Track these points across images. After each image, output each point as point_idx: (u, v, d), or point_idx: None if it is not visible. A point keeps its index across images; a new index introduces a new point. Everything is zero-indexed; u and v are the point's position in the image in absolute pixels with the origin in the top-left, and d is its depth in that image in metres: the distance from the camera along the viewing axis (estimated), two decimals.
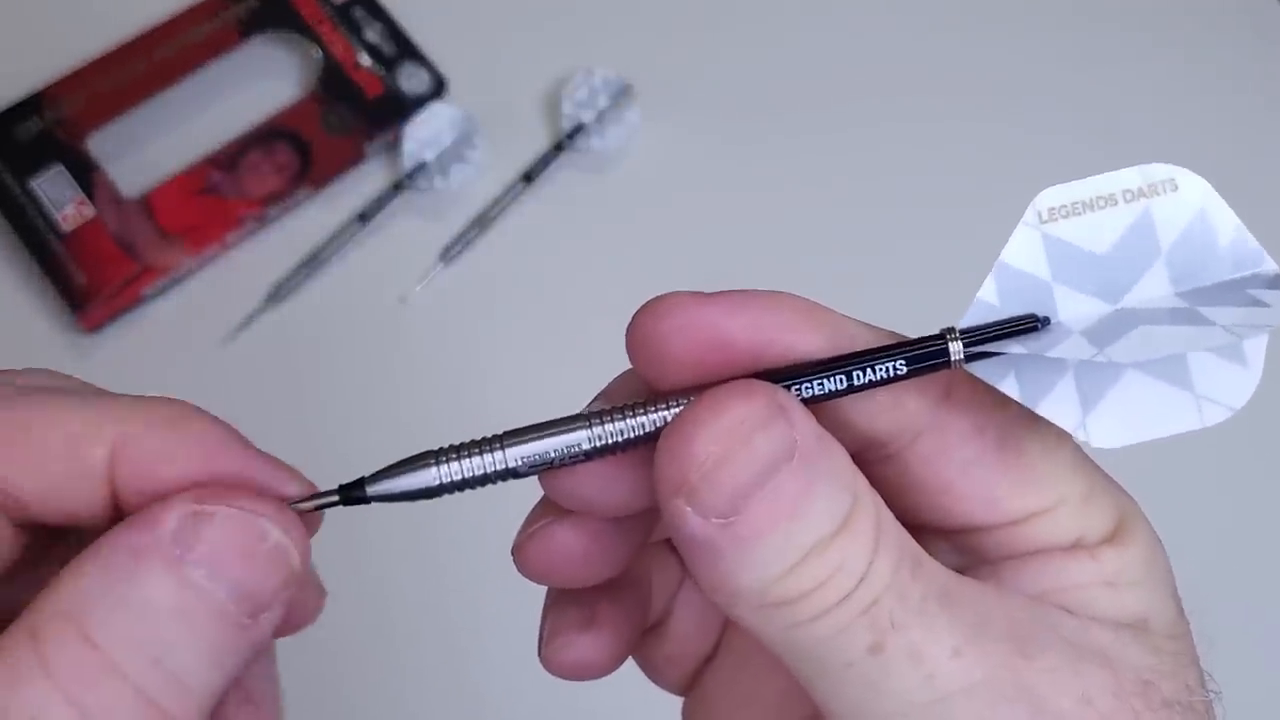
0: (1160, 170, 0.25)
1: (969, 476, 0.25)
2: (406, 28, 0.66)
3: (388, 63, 0.65)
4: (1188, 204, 0.25)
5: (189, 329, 0.60)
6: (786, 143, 0.65)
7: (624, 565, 0.27)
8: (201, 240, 0.61)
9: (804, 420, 0.23)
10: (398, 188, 0.63)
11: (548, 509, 0.26)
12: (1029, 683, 0.22)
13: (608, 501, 0.25)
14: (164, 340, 0.60)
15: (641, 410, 0.24)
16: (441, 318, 0.61)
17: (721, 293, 0.24)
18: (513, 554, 0.27)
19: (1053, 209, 0.25)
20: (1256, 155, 0.66)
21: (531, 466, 0.24)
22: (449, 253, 0.62)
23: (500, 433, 0.24)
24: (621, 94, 0.64)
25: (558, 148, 0.64)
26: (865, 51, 0.68)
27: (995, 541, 0.25)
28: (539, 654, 0.29)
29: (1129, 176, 0.25)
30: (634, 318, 0.24)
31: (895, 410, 0.24)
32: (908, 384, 0.24)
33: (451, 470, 0.24)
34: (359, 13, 0.66)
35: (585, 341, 0.58)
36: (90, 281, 0.59)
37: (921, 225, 0.62)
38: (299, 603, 0.24)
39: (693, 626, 0.30)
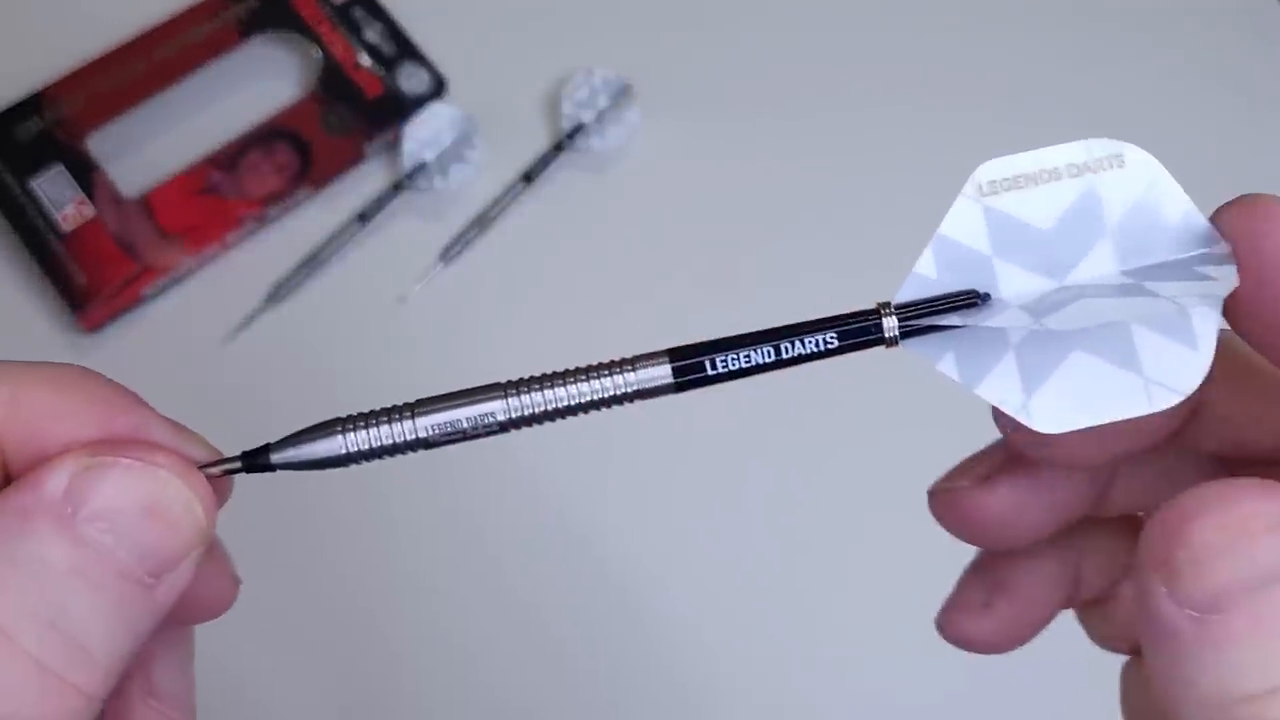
0: (1105, 145, 0.24)
1: None
2: (406, 28, 0.66)
3: (387, 63, 0.65)
4: (1135, 181, 0.24)
5: (189, 329, 0.60)
6: (787, 142, 0.65)
7: (1056, 532, 0.26)
8: (201, 240, 0.61)
9: None
10: (397, 188, 0.63)
11: (984, 460, 0.26)
12: None
13: (1088, 454, 0.24)
14: (164, 340, 0.60)
15: (559, 382, 0.23)
16: (441, 318, 0.61)
17: None
18: (931, 498, 0.26)
19: (993, 181, 0.24)
20: (1257, 155, 0.66)
21: (444, 436, 0.23)
22: (449, 253, 0.62)
23: (411, 401, 0.23)
24: (621, 94, 0.64)
25: (557, 148, 0.64)
26: (866, 51, 0.68)
27: None
28: (935, 618, 0.28)
29: (1073, 150, 0.24)
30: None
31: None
32: None
33: (360, 439, 0.23)
34: (359, 13, 0.66)
35: (586, 341, 0.58)
36: (90, 281, 0.59)
37: (922, 225, 0.62)
38: (210, 585, 0.23)
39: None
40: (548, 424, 0.23)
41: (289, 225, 0.62)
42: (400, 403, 0.23)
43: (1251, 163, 0.65)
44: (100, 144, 0.62)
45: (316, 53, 0.65)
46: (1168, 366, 0.23)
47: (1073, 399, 0.23)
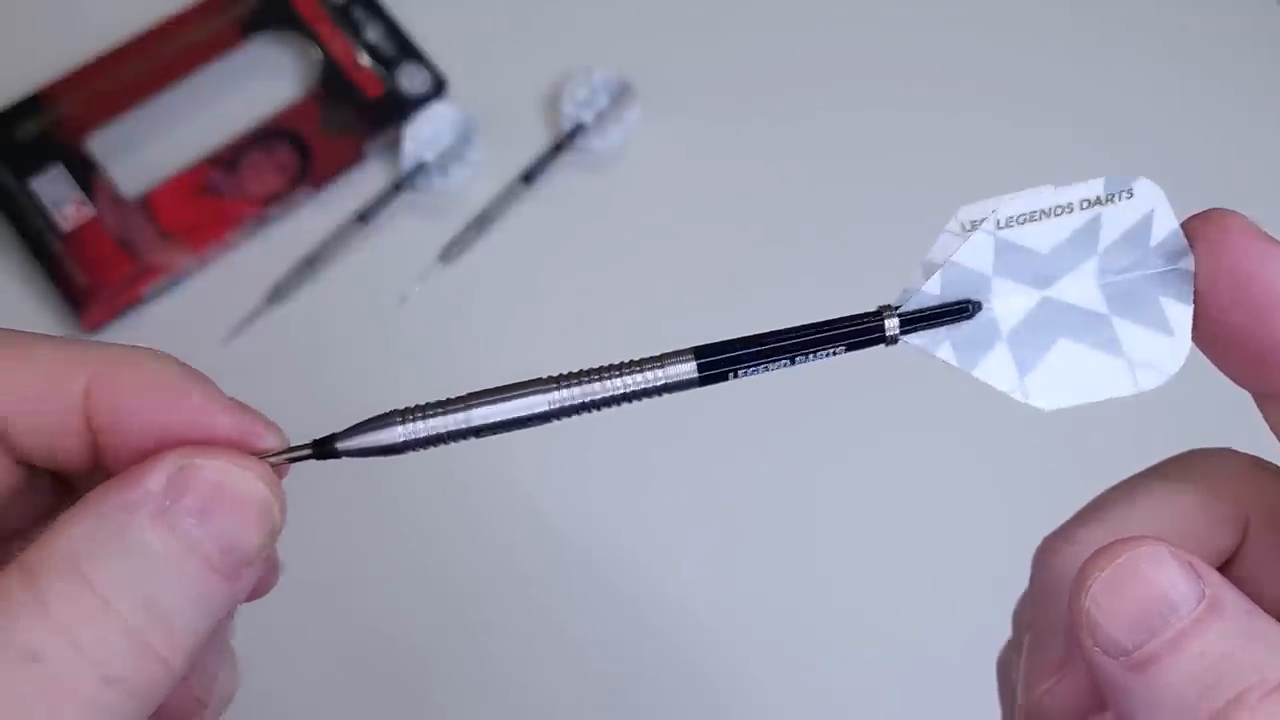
0: (1120, 181, 0.26)
1: None
2: (407, 28, 0.66)
3: (388, 63, 0.65)
4: (1136, 207, 0.26)
5: (189, 329, 0.60)
6: (787, 142, 0.65)
7: None
8: (202, 240, 0.61)
9: (1211, 572, 0.23)
10: (397, 188, 0.63)
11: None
12: None
13: None
14: (164, 340, 0.59)
15: (597, 377, 0.25)
16: (441, 318, 0.61)
17: None
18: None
19: (1010, 217, 0.26)
20: (1256, 155, 0.66)
21: (495, 426, 0.25)
22: (449, 253, 0.62)
23: (466, 394, 0.25)
24: (621, 94, 0.64)
25: (557, 148, 0.64)
26: (866, 51, 0.68)
27: None
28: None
29: (1091, 187, 0.26)
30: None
31: None
32: None
33: (417, 428, 0.25)
34: (359, 13, 0.66)
35: (585, 341, 0.58)
36: (90, 281, 0.59)
37: (923, 224, 0.62)
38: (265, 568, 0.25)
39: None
40: (582, 415, 0.26)
41: (289, 225, 0.62)
42: (446, 398, 0.25)
43: (1251, 162, 0.65)
44: (100, 144, 0.62)
45: (316, 53, 0.65)
46: (1149, 351, 0.25)
47: (1064, 380, 0.26)
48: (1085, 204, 0.26)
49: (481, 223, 0.63)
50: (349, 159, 0.63)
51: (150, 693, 0.22)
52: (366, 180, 0.63)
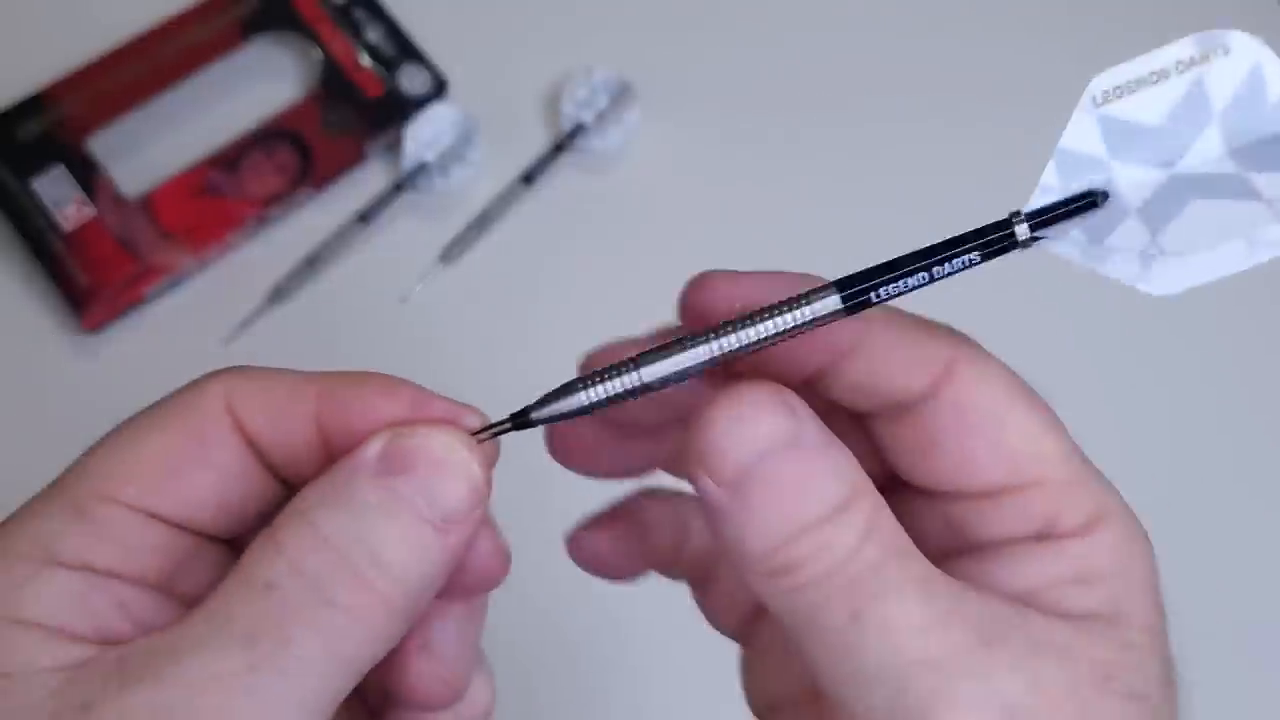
0: (1213, 37, 0.25)
1: (953, 441, 0.27)
2: (407, 28, 0.66)
3: (388, 63, 0.65)
4: (1239, 64, 0.25)
5: (190, 329, 0.60)
6: (787, 142, 0.65)
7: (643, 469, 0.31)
8: (203, 240, 0.61)
9: (809, 418, 0.26)
10: (398, 188, 0.63)
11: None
12: (984, 665, 0.25)
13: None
14: (165, 340, 0.60)
15: (749, 323, 0.26)
16: (441, 318, 0.61)
17: (761, 272, 0.28)
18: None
19: (1106, 91, 0.26)
20: None
21: (663, 381, 0.27)
22: (449, 253, 0.62)
23: (634, 355, 0.27)
24: (621, 94, 0.64)
25: (557, 148, 0.64)
26: (866, 50, 0.68)
27: (975, 516, 0.27)
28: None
29: (1182, 47, 0.26)
30: (684, 290, 0.28)
31: (901, 377, 0.27)
32: (916, 355, 0.27)
33: (596, 392, 0.27)
34: (360, 13, 0.66)
35: (585, 341, 0.58)
36: (91, 282, 0.59)
37: (924, 224, 0.62)
38: (482, 554, 0.28)
39: (738, 580, 0.32)
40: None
41: (290, 225, 0.63)
42: (618, 361, 0.27)
43: None
44: (101, 144, 0.63)
45: (317, 53, 0.65)
46: (1275, 232, 0.25)
47: (1188, 261, 0.25)
48: (1180, 67, 0.25)
49: (482, 223, 0.63)
50: (350, 159, 0.63)
51: (372, 622, 0.25)
52: (367, 181, 0.64)
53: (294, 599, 0.25)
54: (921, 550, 0.26)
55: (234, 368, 0.29)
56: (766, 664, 0.33)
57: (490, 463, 0.28)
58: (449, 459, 0.27)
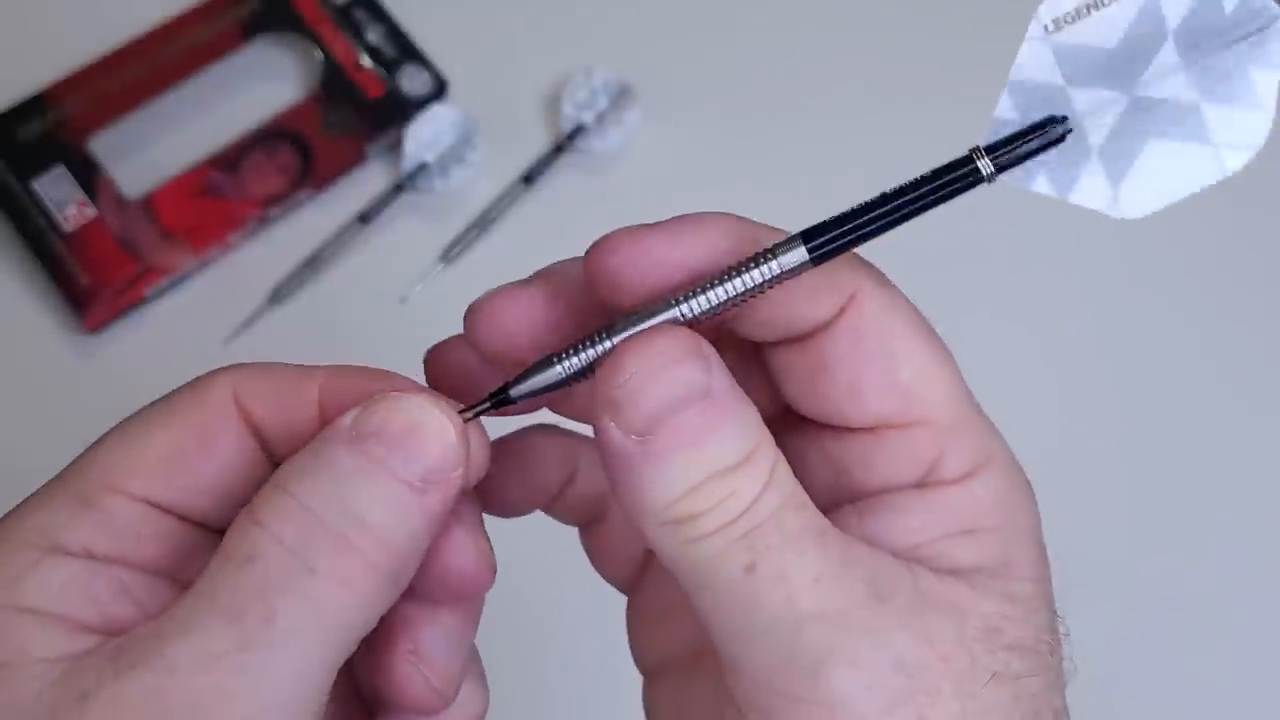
0: None
1: (846, 368, 0.27)
2: (408, 29, 0.66)
3: (389, 64, 0.65)
4: None
5: (191, 329, 0.60)
6: (787, 142, 0.65)
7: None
8: (203, 241, 0.61)
9: (720, 369, 0.26)
10: (398, 189, 0.63)
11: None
12: (876, 620, 0.25)
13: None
14: (166, 340, 0.60)
15: (717, 282, 0.26)
16: (441, 318, 0.60)
17: (662, 223, 0.28)
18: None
19: (1057, 19, 0.25)
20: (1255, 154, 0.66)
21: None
22: (449, 253, 0.62)
23: (602, 326, 0.27)
24: (621, 95, 0.64)
25: (558, 149, 0.64)
26: (866, 50, 0.68)
27: (859, 458, 0.28)
28: None
29: None
30: (587, 255, 0.28)
31: (807, 306, 0.27)
32: (824, 284, 0.27)
33: (572, 363, 0.27)
34: (360, 14, 0.66)
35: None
36: (92, 282, 0.60)
37: (924, 224, 0.62)
38: (461, 555, 0.28)
39: (628, 527, 0.32)
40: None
41: (290, 226, 0.63)
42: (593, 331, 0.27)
43: (1251, 163, 0.65)
44: (102, 145, 0.63)
45: (318, 54, 0.65)
46: (1235, 128, 0.25)
47: (1153, 182, 0.25)
48: None
49: (482, 223, 0.63)
50: (350, 160, 0.63)
51: (358, 586, 0.25)
52: (367, 181, 0.64)
53: (275, 569, 0.25)
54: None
55: (241, 364, 0.29)
56: (653, 618, 0.32)
57: (480, 468, 0.28)
58: (422, 419, 0.27)
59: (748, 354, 0.29)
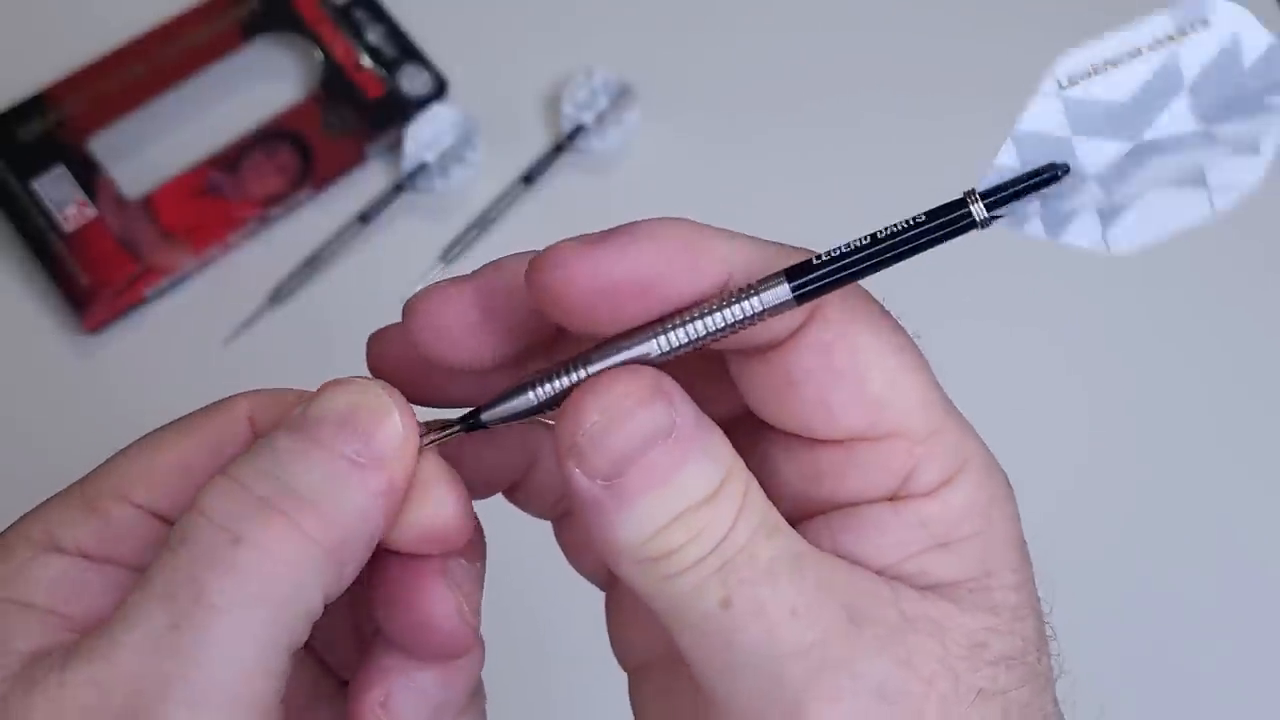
0: (1194, 8, 0.24)
1: (814, 384, 0.26)
2: (408, 29, 0.66)
3: (389, 64, 0.65)
4: (1217, 34, 0.24)
5: (191, 329, 0.60)
6: (787, 143, 0.65)
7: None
8: (203, 241, 0.61)
9: (684, 403, 0.26)
10: (398, 189, 0.63)
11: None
12: (855, 649, 0.25)
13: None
14: (166, 340, 0.60)
15: (697, 315, 0.26)
16: None
17: (608, 235, 0.27)
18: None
19: (1073, 76, 0.25)
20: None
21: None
22: (449, 253, 0.62)
23: (578, 354, 0.27)
24: (621, 95, 0.64)
25: (558, 149, 0.64)
26: (867, 50, 0.68)
27: (830, 469, 0.27)
28: None
29: (1160, 23, 0.24)
30: (529, 271, 0.26)
31: (769, 317, 0.26)
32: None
33: (545, 390, 0.27)
34: (360, 14, 0.66)
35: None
36: (92, 282, 0.60)
37: None
38: (436, 607, 0.27)
39: None
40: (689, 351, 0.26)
41: (290, 226, 0.63)
42: (566, 359, 0.27)
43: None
44: (102, 145, 0.63)
45: (318, 54, 0.65)
46: (1229, 171, 0.24)
47: (1143, 221, 0.24)
48: (1155, 44, 0.24)
49: (482, 223, 0.63)
50: (350, 160, 0.63)
51: (289, 555, 0.25)
52: (368, 181, 0.64)
53: (204, 546, 0.25)
54: (780, 512, 0.26)
55: (262, 389, 0.29)
56: (631, 615, 0.32)
57: (477, 554, 0.28)
58: (361, 400, 0.26)
59: (711, 357, 0.28)
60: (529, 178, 0.64)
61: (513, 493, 0.32)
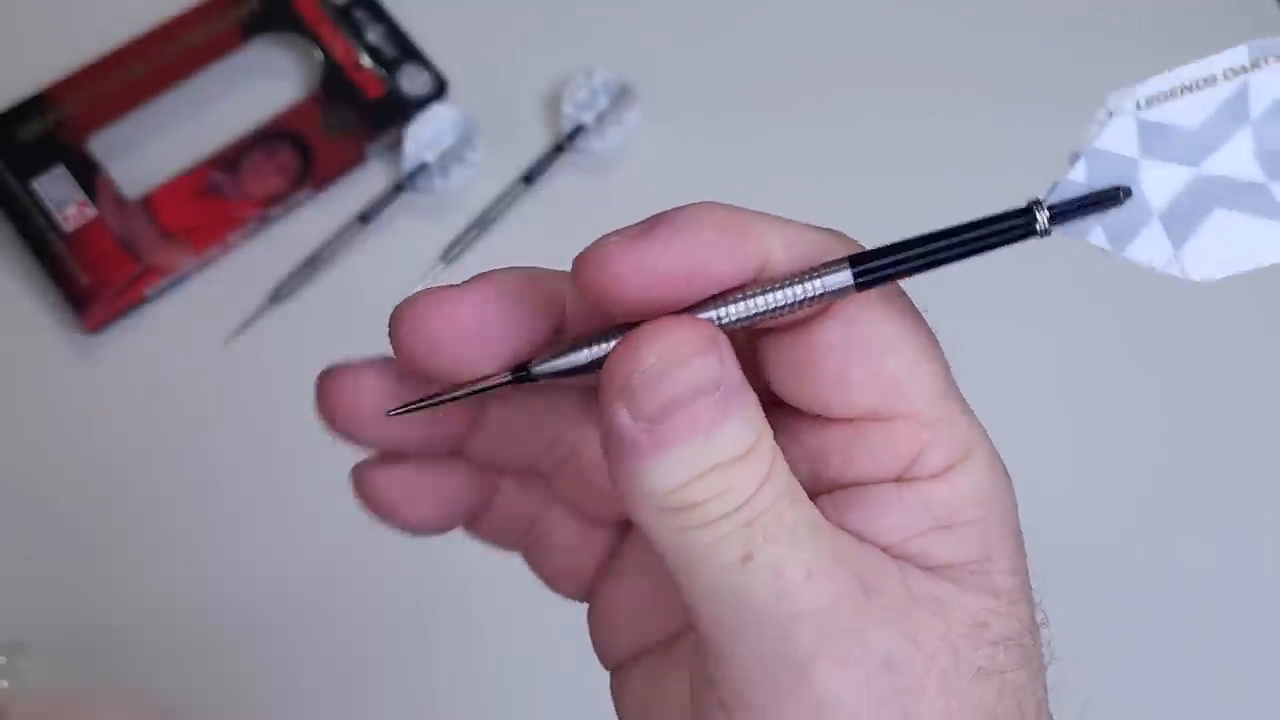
0: (1270, 44, 0.25)
1: (835, 358, 0.27)
2: (408, 29, 0.66)
3: (389, 64, 0.65)
4: None
5: (191, 329, 0.60)
6: (787, 143, 0.65)
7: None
8: (203, 241, 0.61)
9: (732, 362, 0.26)
10: (398, 189, 0.63)
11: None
12: (865, 617, 0.25)
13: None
14: (166, 340, 0.60)
15: (764, 290, 0.26)
16: None
17: (649, 227, 0.27)
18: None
19: (1151, 97, 0.25)
20: None
21: None
22: (449, 253, 0.62)
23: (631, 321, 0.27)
24: (621, 95, 0.64)
25: (558, 149, 0.64)
26: (866, 53, 0.68)
27: (838, 448, 0.27)
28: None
29: (1236, 54, 0.25)
30: (576, 269, 0.27)
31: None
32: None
33: (600, 349, 0.27)
34: (360, 14, 0.66)
35: None
36: (92, 282, 0.60)
37: (928, 224, 0.62)
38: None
39: (574, 538, 0.33)
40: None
41: (290, 226, 0.63)
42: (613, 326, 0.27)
43: None
44: (102, 145, 0.63)
45: (318, 54, 0.65)
46: None
47: (1219, 251, 0.25)
48: (1230, 73, 0.25)
49: (482, 223, 0.63)
50: (350, 160, 0.63)
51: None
52: (368, 181, 0.64)
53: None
54: None
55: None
56: (617, 618, 0.32)
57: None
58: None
59: (737, 339, 0.29)
60: (529, 178, 0.64)
61: (474, 524, 0.33)
